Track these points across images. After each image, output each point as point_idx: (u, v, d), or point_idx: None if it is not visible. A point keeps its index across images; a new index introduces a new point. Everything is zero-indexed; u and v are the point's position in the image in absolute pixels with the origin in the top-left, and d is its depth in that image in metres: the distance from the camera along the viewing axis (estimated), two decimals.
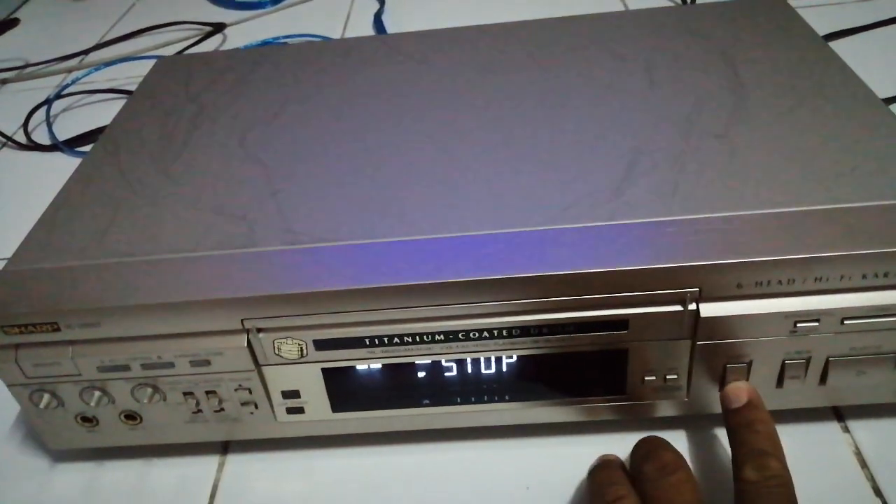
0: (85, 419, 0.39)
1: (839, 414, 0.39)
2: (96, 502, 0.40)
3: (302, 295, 0.34)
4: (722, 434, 0.39)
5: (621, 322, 0.34)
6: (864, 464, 0.37)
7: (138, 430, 0.39)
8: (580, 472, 0.37)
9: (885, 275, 0.33)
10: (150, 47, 0.87)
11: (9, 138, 0.72)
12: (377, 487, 0.38)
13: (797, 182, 0.36)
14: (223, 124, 0.46)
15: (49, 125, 0.73)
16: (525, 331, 0.35)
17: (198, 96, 0.50)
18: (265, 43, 0.84)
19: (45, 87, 0.83)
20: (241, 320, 0.35)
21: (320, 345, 0.35)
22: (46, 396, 0.37)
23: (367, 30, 0.86)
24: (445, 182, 0.39)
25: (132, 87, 0.78)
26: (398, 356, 0.36)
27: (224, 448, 0.41)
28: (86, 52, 0.89)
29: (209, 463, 0.41)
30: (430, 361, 0.36)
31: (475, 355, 0.36)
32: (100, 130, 0.70)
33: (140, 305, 0.34)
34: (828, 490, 0.36)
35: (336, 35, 0.86)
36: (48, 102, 0.75)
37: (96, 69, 0.83)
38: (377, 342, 0.35)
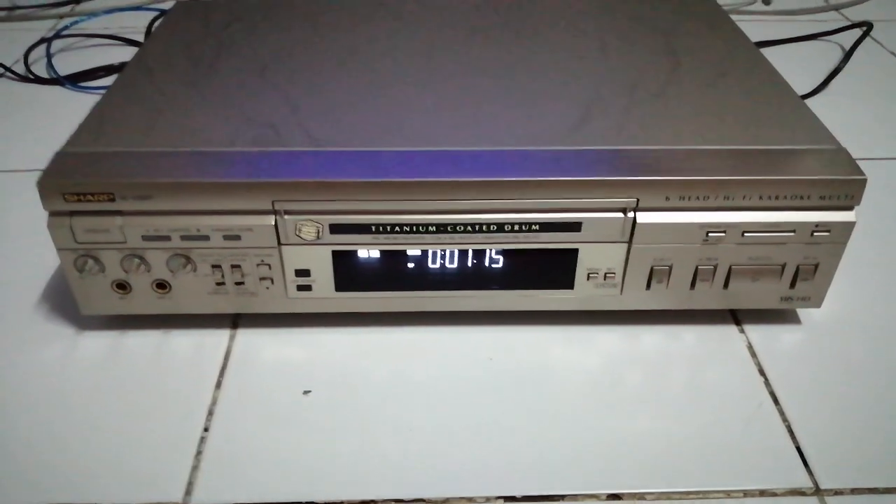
0: (120, 286, 0.45)
1: (737, 318, 0.49)
2: (120, 363, 0.46)
3: (324, 183, 0.42)
4: (645, 331, 0.48)
5: (576, 224, 0.44)
6: (753, 354, 0.47)
7: (165, 300, 0.46)
8: (532, 353, 0.46)
9: (776, 198, 0.43)
10: (142, 1, 0.92)
11: (7, 69, 0.77)
12: (367, 357, 0.46)
13: (714, 129, 0.46)
14: (243, 58, 0.54)
15: (49, 61, 0.78)
16: (500, 227, 0.44)
17: (217, 34, 0.57)
18: None
19: (34, 29, 0.87)
20: (272, 202, 0.42)
21: (334, 229, 0.43)
22: (90, 262, 0.44)
23: None
24: (438, 109, 0.47)
25: (128, 36, 0.84)
26: (395, 244, 0.44)
27: (234, 323, 0.48)
28: (76, 0, 0.93)
29: (221, 335, 0.48)
30: (420, 251, 0.45)
31: (458, 247, 0.44)
32: (102, 69, 0.76)
33: (188, 183, 0.41)
34: (727, 374, 0.46)
35: None
36: (48, 40, 0.80)
37: (90, 17, 0.88)
38: (380, 229, 0.43)
